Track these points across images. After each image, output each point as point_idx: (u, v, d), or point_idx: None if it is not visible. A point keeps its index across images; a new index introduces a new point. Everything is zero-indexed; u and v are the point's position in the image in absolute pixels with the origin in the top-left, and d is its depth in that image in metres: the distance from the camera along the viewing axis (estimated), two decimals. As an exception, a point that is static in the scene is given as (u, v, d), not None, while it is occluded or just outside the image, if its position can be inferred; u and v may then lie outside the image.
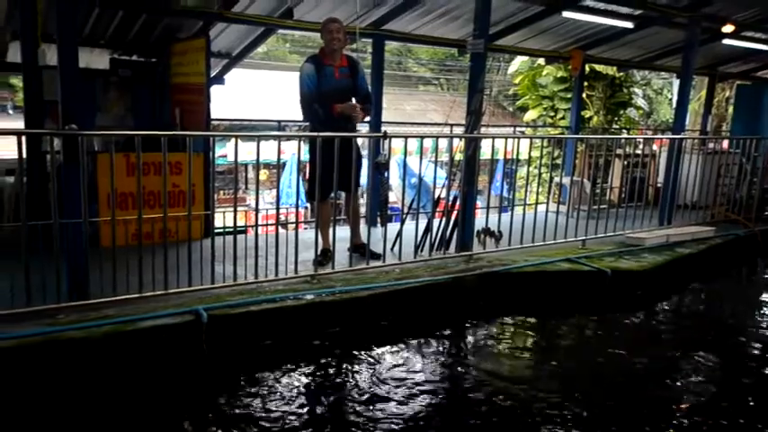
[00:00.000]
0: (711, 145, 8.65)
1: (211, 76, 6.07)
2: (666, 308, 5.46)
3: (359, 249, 4.92)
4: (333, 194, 5.01)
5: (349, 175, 4.73)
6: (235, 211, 4.39)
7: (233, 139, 4.83)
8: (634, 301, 5.23)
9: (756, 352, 4.50)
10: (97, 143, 5.71)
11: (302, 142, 4.72)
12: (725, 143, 9.00)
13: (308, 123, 5.05)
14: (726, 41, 8.34)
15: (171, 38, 6.05)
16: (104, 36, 6.05)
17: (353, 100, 4.87)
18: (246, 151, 9.05)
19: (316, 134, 4.46)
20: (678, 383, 3.83)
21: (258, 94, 13.32)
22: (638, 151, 8.35)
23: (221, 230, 5.45)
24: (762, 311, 5.71)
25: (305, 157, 4.95)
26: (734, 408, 3.51)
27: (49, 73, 4.81)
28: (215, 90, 6.15)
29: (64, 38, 3.72)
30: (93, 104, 5.80)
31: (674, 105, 8.58)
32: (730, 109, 12.44)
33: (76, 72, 3.75)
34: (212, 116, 5.83)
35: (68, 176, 3.69)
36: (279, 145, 4.66)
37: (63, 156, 3.68)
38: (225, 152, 12.20)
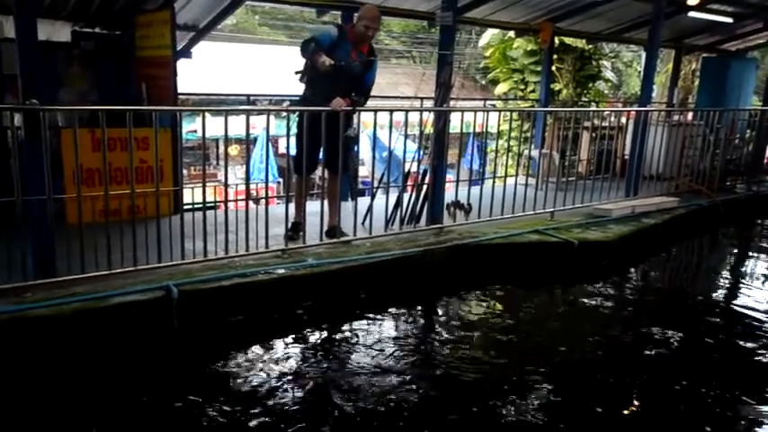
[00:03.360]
0: (676, 117, 8.82)
1: (178, 49, 5.96)
2: (630, 276, 5.63)
3: (331, 231, 4.93)
4: (317, 171, 5.00)
5: (334, 153, 4.73)
6: (204, 187, 4.36)
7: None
8: (600, 271, 5.36)
9: (716, 317, 4.68)
10: (61, 118, 5.58)
11: (273, 116, 4.69)
12: (689, 115, 9.18)
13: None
14: (691, 14, 8.45)
15: (135, 9, 5.90)
16: (65, 8, 5.86)
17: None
18: (216, 126, 8.96)
19: (285, 108, 4.45)
20: (642, 348, 3.96)
21: (227, 67, 13.08)
22: (606, 124, 8.47)
23: (190, 206, 5.41)
24: (721, 279, 5.91)
25: (274, 131, 4.93)
26: (695, 372, 3.66)
27: (8, 46, 4.67)
28: (182, 64, 6.04)
29: (21, 9, 3.61)
30: (55, 78, 5.64)
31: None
32: (697, 81, 12.64)
33: (35, 45, 3.65)
34: (180, 90, 5.74)
35: (31, 153, 3.61)
36: (248, 120, 4.62)
37: (24, 132, 3.60)
38: (195, 127, 12.02)
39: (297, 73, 4.87)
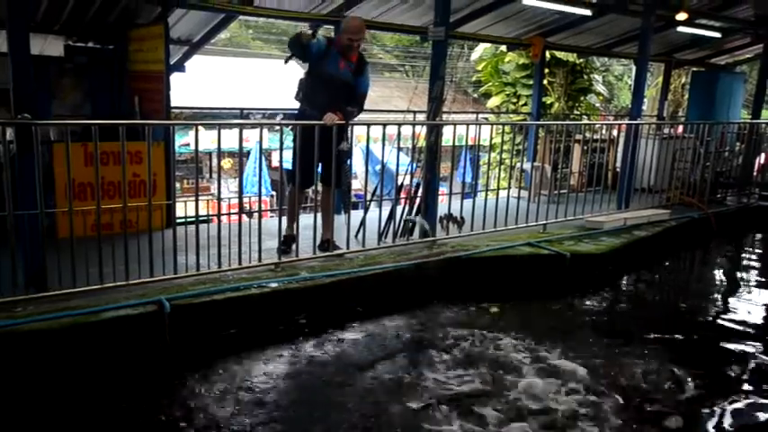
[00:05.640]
0: (667, 130, 8.90)
1: (171, 63, 5.97)
2: (622, 289, 5.64)
3: (324, 245, 4.93)
4: (313, 186, 5.01)
5: (327, 166, 4.75)
6: (197, 201, 4.36)
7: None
8: (591, 283, 5.36)
9: (705, 330, 4.69)
10: (53, 132, 5.58)
11: (267, 130, 4.70)
12: (680, 128, 9.27)
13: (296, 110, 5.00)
14: (680, 29, 8.56)
15: (128, 24, 5.92)
16: (58, 22, 5.89)
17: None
18: (210, 140, 9.00)
19: (278, 122, 4.46)
20: (630, 361, 3.96)
21: (221, 81, 13.13)
22: (597, 136, 8.53)
23: (183, 220, 5.40)
24: (712, 291, 5.94)
25: (268, 145, 4.94)
26: (683, 387, 3.66)
27: (1, 60, 4.68)
28: (176, 77, 6.06)
29: (13, 23, 3.62)
30: (48, 93, 5.65)
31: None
32: (686, 95, 12.77)
33: (28, 59, 3.66)
34: (173, 104, 5.75)
35: (23, 167, 3.61)
36: (241, 133, 4.63)
37: (16, 146, 3.60)
38: (188, 141, 12.03)
39: (286, 61, 4.84)
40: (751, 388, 3.67)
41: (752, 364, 4.00)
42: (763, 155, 9.32)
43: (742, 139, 8.94)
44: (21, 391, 3.21)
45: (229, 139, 7.61)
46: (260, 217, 4.67)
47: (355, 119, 4.90)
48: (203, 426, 3.02)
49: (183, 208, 6.04)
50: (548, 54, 9.69)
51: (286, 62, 4.72)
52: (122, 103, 5.99)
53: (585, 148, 8.01)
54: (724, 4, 8.48)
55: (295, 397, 3.36)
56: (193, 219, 4.39)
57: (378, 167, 6.79)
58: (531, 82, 11.04)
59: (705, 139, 7.75)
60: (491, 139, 10.97)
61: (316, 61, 4.72)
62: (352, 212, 5.44)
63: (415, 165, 5.76)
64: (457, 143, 9.00)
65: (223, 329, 3.92)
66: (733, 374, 3.87)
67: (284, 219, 4.84)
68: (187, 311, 3.76)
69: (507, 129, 10.63)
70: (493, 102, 12.95)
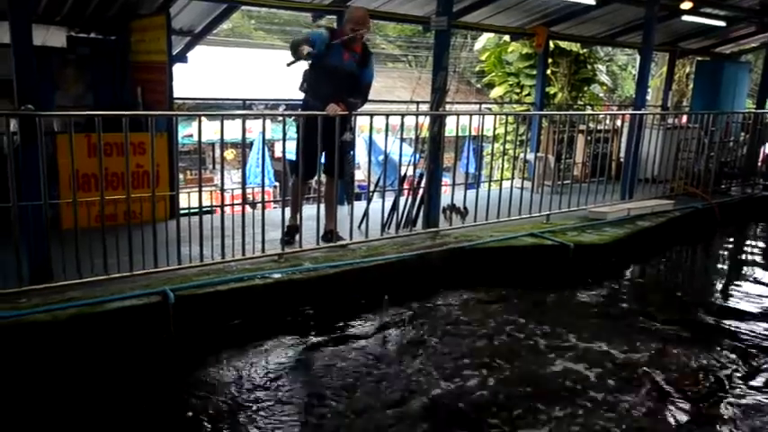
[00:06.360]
0: (671, 120, 8.86)
1: (174, 54, 5.97)
2: (625, 279, 5.64)
3: (328, 235, 4.94)
4: (316, 177, 5.00)
5: (330, 157, 4.74)
6: (200, 191, 4.36)
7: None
8: (594, 274, 5.36)
9: (707, 321, 4.68)
10: (57, 123, 5.58)
11: (269, 121, 4.69)
12: (684, 118, 9.22)
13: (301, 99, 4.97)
14: (685, 18, 8.50)
15: (130, 14, 5.91)
16: (60, 13, 5.88)
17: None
18: (213, 131, 8.98)
19: (281, 113, 4.45)
20: (632, 352, 3.97)
21: (223, 71, 13.09)
22: (601, 127, 8.51)
23: (186, 211, 5.41)
24: (715, 281, 5.93)
25: (271, 135, 4.94)
26: (684, 377, 3.67)
27: (3, 51, 4.67)
28: (178, 68, 6.05)
29: (16, 14, 3.61)
30: (51, 84, 5.65)
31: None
32: (691, 84, 12.71)
33: (30, 50, 3.65)
34: (176, 95, 5.75)
35: (26, 158, 3.62)
36: (244, 124, 4.62)
37: (20, 137, 3.60)
38: (191, 131, 12.03)
39: (289, 64, 4.82)
40: (749, 371, 3.68)
41: (750, 348, 4.01)
42: (767, 145, 9.28)
43: (746, 129, 8.89)
44: (26, 382, 3.23)
45: (232, 130, 7.59)
46: (263, 208, 4.67)
47: (358, 109, 4.89)
48: (208, 416, 3.04)
49: (187, 199, 6.03)
50: (551, 44, 9.65)
51: (289, 65, 4.70)
52: (125, 94, 5.99)
53: (589, 138, 7.98)
54: (729, -8, 8.44)
55: (299, 387, 3.38)
56: (197, 210, 4.39)
57: (381, 158, 6.78)
58: (534, 72, 10.98)
59: (709, 129, 7.72)
60: (494, 129, 10.94)
61: (319, 54, 4.70)
62: (355, 203, 5.44)
63: (418, 155, 5.76)
64: (460, 134, 8.99)
65: (227, 320, 3.93)
66: (731, 355, 3.88)
67: (287, 209, 4.85)
68: (191, 302, 3.78)
69: (510, 119, 10.54)
70: (496, 92, 12.91)
